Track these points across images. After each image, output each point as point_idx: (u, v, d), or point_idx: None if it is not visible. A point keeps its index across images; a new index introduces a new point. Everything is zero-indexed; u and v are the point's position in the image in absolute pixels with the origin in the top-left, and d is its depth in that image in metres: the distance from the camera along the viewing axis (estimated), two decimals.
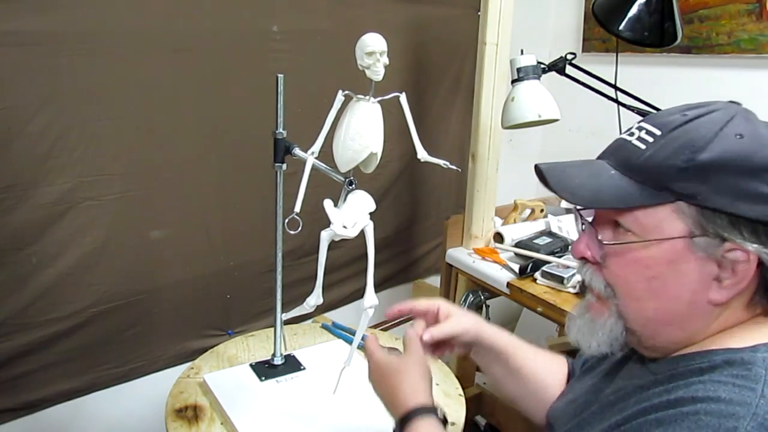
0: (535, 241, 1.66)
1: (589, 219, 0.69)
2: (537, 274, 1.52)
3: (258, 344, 1.39)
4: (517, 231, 1.76)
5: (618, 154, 0.66)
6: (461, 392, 1.23)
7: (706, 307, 0.62)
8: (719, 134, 0.59)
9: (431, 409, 0.79)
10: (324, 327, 1.49)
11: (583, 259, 0.69)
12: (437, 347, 0.91)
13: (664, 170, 0.61)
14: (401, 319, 2.16)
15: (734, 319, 0.63)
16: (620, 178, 0.64)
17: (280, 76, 1.10)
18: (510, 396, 0.96)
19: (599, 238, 0.67)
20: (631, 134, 0.65)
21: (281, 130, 1.11)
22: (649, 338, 0.67)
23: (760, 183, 0.58)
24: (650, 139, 0.63)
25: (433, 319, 0.91)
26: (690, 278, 0.62)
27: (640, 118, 1.48)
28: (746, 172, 0.58)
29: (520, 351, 0.92)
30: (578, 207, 0.69)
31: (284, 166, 1.13)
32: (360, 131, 0.98)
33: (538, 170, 0.69)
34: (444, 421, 0.80)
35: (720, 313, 0.63)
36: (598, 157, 0.69)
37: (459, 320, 0.90)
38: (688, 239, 0.60)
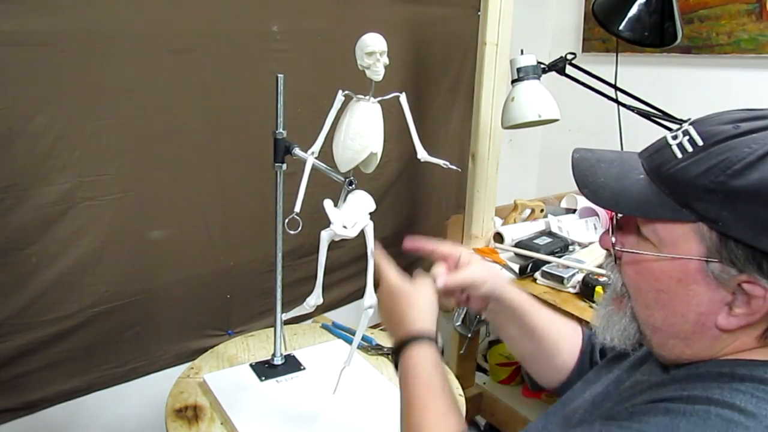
0: (535, 241, 1.66)
1: (620, 215, 0.68)
2: (537, 274, 1.52)
3: (258, 344, 1.39)
4: (517, 231, 1.76)
5: (654, 157, 0.63)
6: (461, 392, 1.23)
7: (714, 331, 0.60)
8: (764, 159, 0.54)
9: (432, 337, 0.79)
10: (324, 327, 1.49)
11: (609, 251, 0.68)
12: (453, 294, 0.89)
13: (691, 188, 0.57)
14: None
15: (746, 347, 0.61)
16: (646, 185, 0.61)
17: (280, 76, 1.09)
18: (521, 355, 0.96)
19: (613, 241, 0.66)
20: (675, 137, 0.61)
21: (281, 130, 1.11)
22: (658, 346, 0.66)
23: None
24: (690, 149, 0.58)
25: (454, 265, 0.89)
26: (698, 300, 0.59)
27: (640, 118, 1.50)
28: None
29: (535, 310, 0.91)
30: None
31: (284, 166, 1.13)
32: (360, 131, 0.98)
33: (572, 162, 0.68)
34: (441, 352, 0.80)
35: (729, 340, 0.60)
36: (639, 153, 0.66)
37: (476, 269, 0.88)
38: (702, 262, 0.58)
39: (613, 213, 0.68)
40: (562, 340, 0.92)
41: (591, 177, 0.65)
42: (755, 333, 0.60)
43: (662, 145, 0.62)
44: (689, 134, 0.60)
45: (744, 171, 0.54)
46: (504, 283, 0.90)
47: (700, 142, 0.58)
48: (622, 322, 0.67)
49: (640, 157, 0.65)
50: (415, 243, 0.92)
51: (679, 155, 0.59)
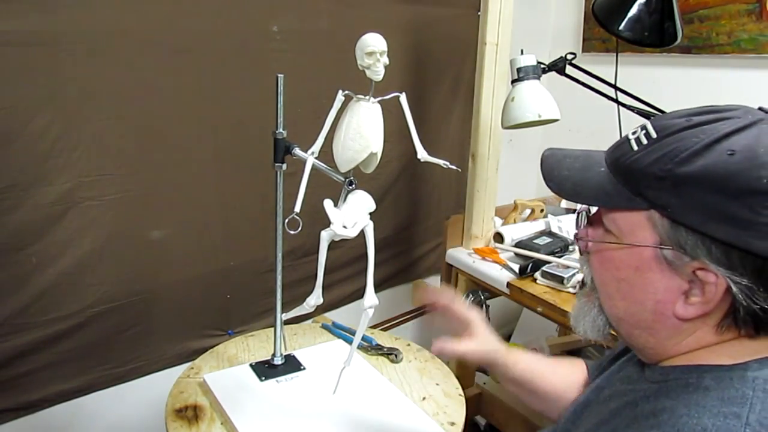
0: (535, 241, 1.66)
1: (593, 211, 0.71)
2: (537, 274, 1.52)
3: (258, 344, 1.39)
4: (517, 231, 1.76)
5: (615, 151, 0.66)
6: (461, 392, 1.23)
7: (673, 320, 0.61)
8: (710, 148, 0.56)
9: None
10: (324, 327, 1.49)
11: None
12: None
13: (642, 176, 0.60)
14: (403, 318, 2.17)
15: (707, 338, 0.61)
16: (605, 177, 0.64)
17: (280, 76, 1.09)
18: (530, 406, 0.99)
19: (575, 231, 0.70)
20: (634, 132, 0.64)
21: (281, 130, 1.11)
22: (626, 337, 0.68)
23: (738, 206, 0.54)
24: (645, 142, 0.61)
25: (464, 330, 0.94)
26: (655, 287, 0.61)
27: (640, 118, 1.50)
28: (724, 192, 0.54)
29: (537, 374, 0.94)
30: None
31: (284, 166, 1.13)
32: (360, 131, 0.98)
33: (541, 158, 0.71)
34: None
35: (690, 330, 0.61)
36: (606, 150, 0.69)
37: (483, 345, 0.93)
38: (656, 249, 0.60)
39: (586, 209, 0.72)
40: (566, 388, 0.93)
41: (556, 170, 0.69)
42: (712, 322, 0.61)
43: (623, 141, 0.65)
44: (646, 129, 0.63)
45: (690, 159, 0.56)
46: (501, 356, 0.94)
47: (654, 135, 0.61)
48: (591, 314, 0.70)
49: (605, 153, 0.68)
50: (430, 297, 0.97)
51: (635, 147, 0.62)
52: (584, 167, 0.67)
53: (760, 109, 0.60)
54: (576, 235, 0.71)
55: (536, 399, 0.95)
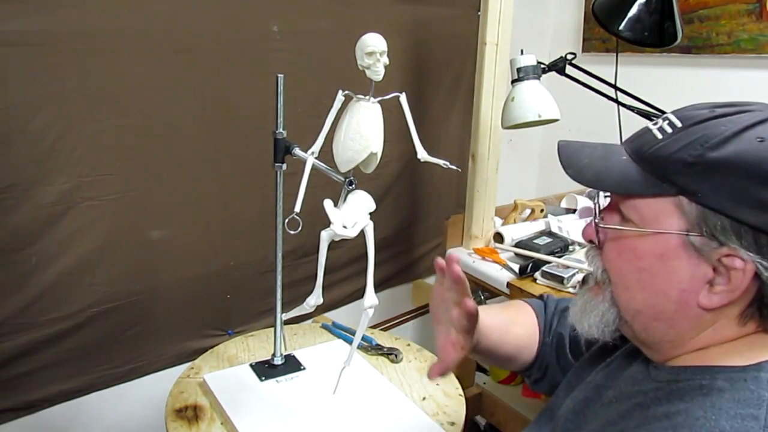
0: (535, 241, 1.66)
1: (604, 204, 0.70)
2: (537, 274, 1.52)
3: (258, 344, 1.39)
4: (517, 231, 1.76)
5: (636, 140, 0.66)
6: (461, 392, 1.23)
7: (696, 310, 0.61)
8: (739, 135, 0.57)
9: None
10: (324, 327, 1.49)
11: (592, 242, 0.70)
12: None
13: (671, 162, 0.59)
14: (402, 318, 2.17)
15: (727, 332, 0.61)
16: (628, 164, 0.64)
17: (280, 76, 1.09)
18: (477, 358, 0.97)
19: (596, 221, 0.68)
20: (655, 123, 0.64)
21: (281, 130, 1.11)
22: (641, 331, 0.66)
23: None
24: (669, 130, 0.62)
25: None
26: (679, 276, 0.60)
27: (640, 118, 1.50)
28: (756, 178, 0.55)
29: (493, 335, 0.89)
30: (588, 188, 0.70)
31: (284, 166, 1.14)
32: (360, 131, 0.98)
33: (558, 147, 0.71)
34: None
35: (711, 321, 0.61)
36: (622, 142, 0.69)
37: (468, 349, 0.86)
38: (683, 236, 0.59)
39: (596, 202, 0.71)
40: (520, 346, 0.93)
41: (575, 159, 0.69)
42: (735, 312, 0.60)
43: (644, 131, 0.66)
44: (669, 119, 0.63)
45: (720, 144, 0.57)
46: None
47: (679, 124, 0.61)
48: (599, 308, 0.68)
49: (623, 145, 0.68)
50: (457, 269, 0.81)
51: (660, 136, 0.62)
52: (604, 156, 0.67)
53: None
54: (589, 232, 0.69)
55: (496, 363, 0.96)
